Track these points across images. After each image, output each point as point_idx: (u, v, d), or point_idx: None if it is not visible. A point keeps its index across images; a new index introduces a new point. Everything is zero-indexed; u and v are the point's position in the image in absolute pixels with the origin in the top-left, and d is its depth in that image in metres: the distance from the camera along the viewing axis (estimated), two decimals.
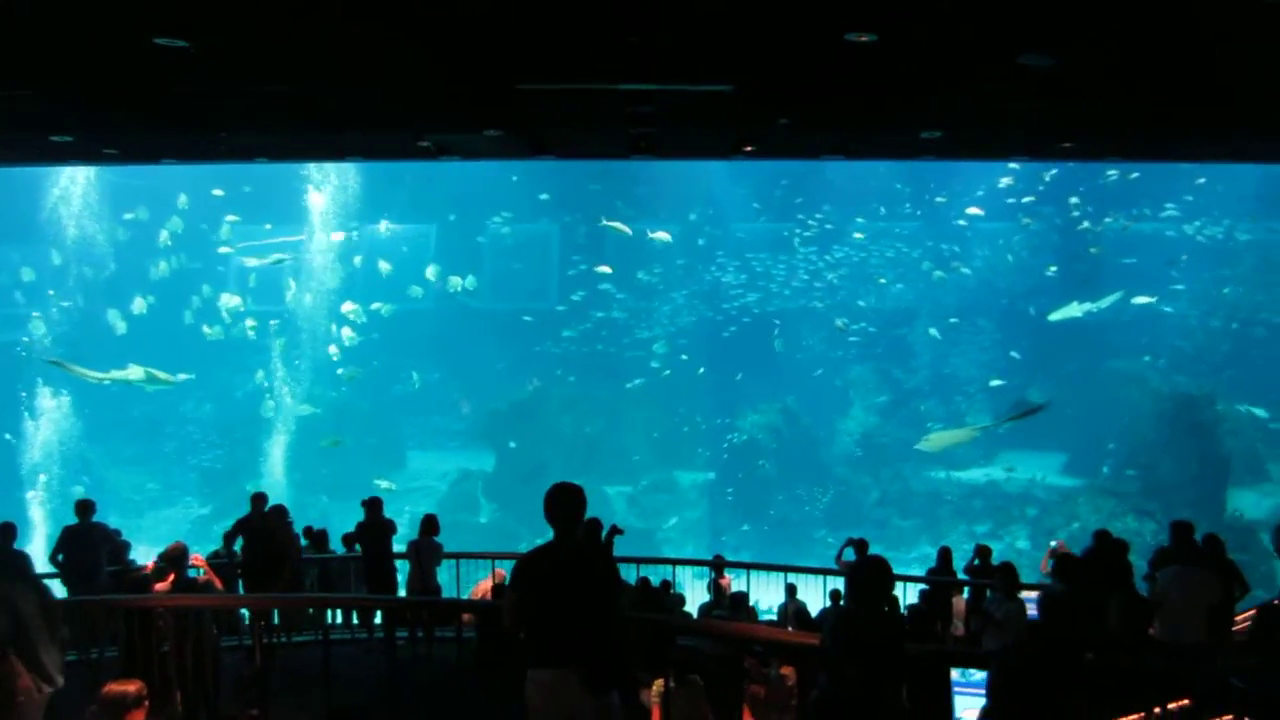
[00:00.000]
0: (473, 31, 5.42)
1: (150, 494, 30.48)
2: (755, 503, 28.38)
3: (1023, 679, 4.13)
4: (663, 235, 29.20)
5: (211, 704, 6.81)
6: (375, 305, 29.67)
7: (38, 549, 16.42)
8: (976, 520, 27.45)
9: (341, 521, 13.05)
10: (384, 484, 25.53)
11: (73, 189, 29.39)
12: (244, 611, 9.01)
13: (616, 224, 27.75)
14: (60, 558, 9.24)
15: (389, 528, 10.06)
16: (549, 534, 4.49)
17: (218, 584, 7.52)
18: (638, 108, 7.30)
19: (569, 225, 33.45)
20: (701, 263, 32.98)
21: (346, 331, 28.99)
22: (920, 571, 11.92)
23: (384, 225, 33.14)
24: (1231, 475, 24.93)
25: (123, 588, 8.55)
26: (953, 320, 30.76)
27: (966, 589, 10.23)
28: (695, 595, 13.37)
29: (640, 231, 28.32)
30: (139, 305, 28.69)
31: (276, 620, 8.88)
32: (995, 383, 29.16)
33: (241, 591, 9.56)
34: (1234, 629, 7.66)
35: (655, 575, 11.00)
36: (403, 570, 10.12)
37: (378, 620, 9.91)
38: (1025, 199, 29.36)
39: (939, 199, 30.57)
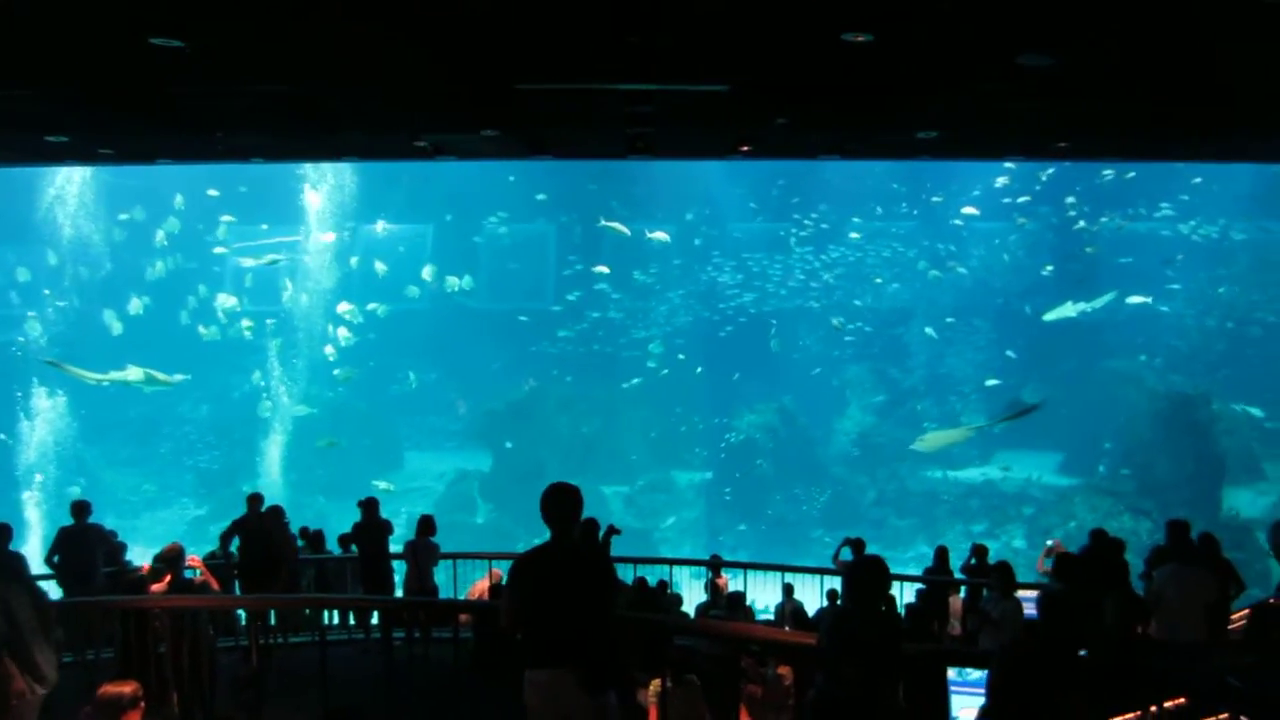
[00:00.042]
0: (472, 31, 5.42)
1: (146, 495, 30.39)
2: (752, 502, 28.38)
3: (1020, 678, 4.14)
4: (660, 235, 29.18)
5: (208, 705, 6.80)
6: (372, 305, 29.60)
7: (33, 550, 16.38)
8: (973, 519, 27.47)
9: (338, 522, 13.04)
10: (381, 484, 25.49)
11: (68, 189, 29.33)
12: (240, 612, 9.04)
13: (615, 224, 27.75)
14: (56, 559, 9.20)
15: (386, 528, 10.06)
16: (546, 534, 4.49)
17: (214, 585, 7.52)
18: (636, 108, 7.30)
19: (565, 225, 33.46)
20: (698, 262, 32.98)
21: (343, 332, 28.93)
22: (917, 571, 11.94)
23: (380, 225, 33.13)
24: (1227, 474, 24.99)
25: (119, 589, 8.50)
26: (949, 320, 30.81)
27: (963, 588, 10.27)
28: (692, 595, 13.35)
29: (637, 231, 28.30)
30: (135, 306, 28.66)
31: (273, 621, 8.85)
32: (991, 382, 29.22)
33: (238, 592, 9.57)
34: (1230, 627, 7.68)
35: (652, 575, 11.00)
36: (400, 571, 10.13)
37: (374, 621, 9.92)
38: (1021, 199, 29.39)
39: (935, 199, 30.62)
